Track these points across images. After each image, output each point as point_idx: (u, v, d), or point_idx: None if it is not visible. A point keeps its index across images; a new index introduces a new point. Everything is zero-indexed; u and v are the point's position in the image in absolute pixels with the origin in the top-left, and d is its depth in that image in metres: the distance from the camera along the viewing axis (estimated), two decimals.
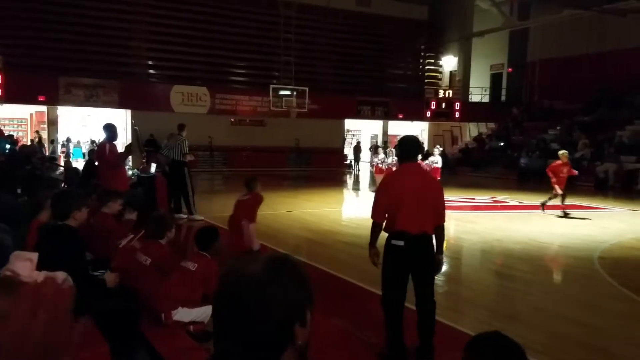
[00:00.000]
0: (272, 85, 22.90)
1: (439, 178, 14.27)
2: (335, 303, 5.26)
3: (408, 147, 3.99)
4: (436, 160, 14.35)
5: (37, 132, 21.95)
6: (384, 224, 3.90)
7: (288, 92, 23.29)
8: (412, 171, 3.95)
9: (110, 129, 7.39)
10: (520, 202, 14.37)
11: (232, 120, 23.97)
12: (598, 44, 24.07)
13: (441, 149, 15.76)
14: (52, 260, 3.06)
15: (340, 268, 6.71)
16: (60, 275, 1.20)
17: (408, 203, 3.74)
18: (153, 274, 3.77)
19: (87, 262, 3.42)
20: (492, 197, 15.25)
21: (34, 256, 1.23)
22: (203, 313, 3.64)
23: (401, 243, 3.76)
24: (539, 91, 27.54)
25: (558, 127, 24.18)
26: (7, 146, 7.09)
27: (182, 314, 3.58)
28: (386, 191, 3.89)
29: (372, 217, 3.92)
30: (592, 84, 23.96)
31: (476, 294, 6.21)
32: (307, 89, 23.14)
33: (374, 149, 18.41)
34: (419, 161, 13.67)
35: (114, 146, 7.46)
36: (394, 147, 26.60)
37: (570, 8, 22.21)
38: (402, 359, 3.89)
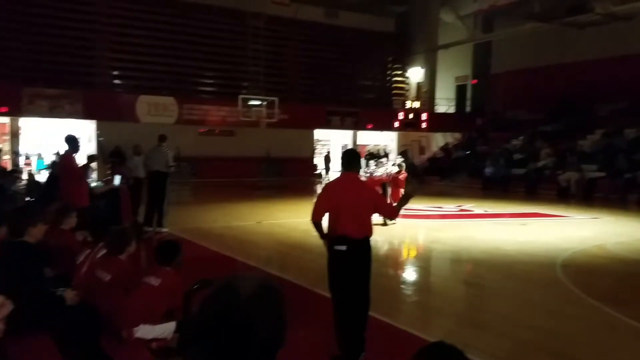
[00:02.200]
0: (241, 96, 22.81)
1: (404, 188, 14.41)
2: (303, 315, 5.23)
3: (348, 158, 4.32)
4: (402, 170, 14.43)
5: None
6: (327, 229, 4.21)
7: (257, 102, 23.24)
8: (350, 180, 4.29)
9: (72, 141, 7.21)
10: (485, 211, 14.63)
11: (200, 130, 23.73)
12: (559, 56, 24.87)
13: (402, 159, 15.90)
14: (9, 277, 2.96)
15: (310, 279, 6.67)
16: None
17: (348, 209, 4.06)
18: (113, 291, 3.67)
19: (46, 279, 3.30)
20: (459, 206, 15.50)
21: None
22: (166, 329, 3.57)
23: (343, 248, 4.03)
24: (502, 102, 28.24)
25: (521, 137, 24.80)
26: None
27: (144, 331, 3.49)
28: (326, 197, 4.23)
29: (312, 218, 4.24)
30: (554, 95, 24.72)
31: (444, 302, 6.26)
32: (276, 99, 23.12)
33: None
34: (384, 170, 13.85)
35: (76, 158, 7.28)
36: (365, 157, 26.78)
37: (532, 21, 22.92)
38: (351, 351, 4.10)
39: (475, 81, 30.34)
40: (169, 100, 22.90)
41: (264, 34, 25.19)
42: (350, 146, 28.93)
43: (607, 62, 23.18)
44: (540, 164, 21.49)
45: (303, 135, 26.06)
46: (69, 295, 3.24)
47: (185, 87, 24.25)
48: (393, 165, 15.24)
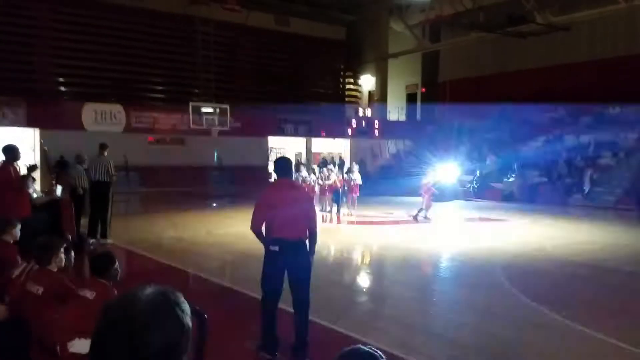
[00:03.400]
0: (191, 103, 22.48)
1: (357, 195, 14.63)
2: (248, 324, 5.22)
3: (281, 166, 4.61)
4: (355, 177, 14.66)
5: None
6: (265, 231, 4.44)
7: (209, 110, 22.96)
8: (286, 185, 4.58)
9: (10, 151, 6.93)
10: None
11: (149, 139, 23.21)
12: (502, 65, 25.87)
13: (357, 167, 16.14)
14: None
15: (257, 288, 6.60)
16: None
17: (283, 213, 4.31)
18: (46, 304, 3.55)
19: None
20: (408, 212, 15.78)
21: None
22: None
23: (276, 248, 4.31)
24: (449, 110, 29.05)
25: (468, 144, 25.57)
26: None
27: (80, 346, 3.38)
28: (264, 204, 4.44)
29: (251, 228, 4.45)
30: (499, 102, 25.63)
31: (397, 310, 6.28)
32: (228, 106, 22.93)
33: (297, 169, 18.41)
34: (339, 176, 14.00)
35: (15, 168, 6.99)
36: (319, 165, 26.90)
37: (476, 31, 23.76)
38: (273, 347, 4.43)
39: (424, 89, 31.09)
40: (116, 108, 22.32)
41: (215, 40, 25.00)
42: (304, 154, 29.08)
43: (547, 70, 24.28)
44: (487, 170, 22.23)
45: (256, 143, 25.93)
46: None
47: (133, 94, 23.73)
48: (347, 172, 15.43)
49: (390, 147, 29.53)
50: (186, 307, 1.13)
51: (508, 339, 5.19)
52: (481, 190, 20.73)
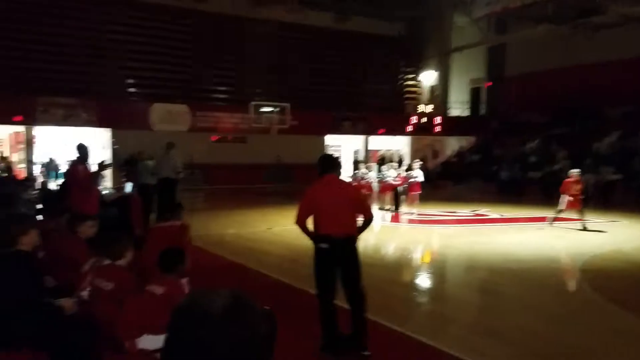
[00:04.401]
0: (252, 103, 22.82)
1: (419, 192, 14.27)
2: (311, 323, 5.14)
3: (325, 162, 4.65)
4: (416, 175, 14.30)
5: (3, 157, 21.38)
6: (313, 229, 4.44)
7: (269, 109, 23.23)
8: (330, 181, 4.53)
9: (80, 150, 7.22)
10: (501, 215, 14.40)
11: (212, 138, 23.79)
12: (574, 58, 24.51)
13: (421, 162, 15.76)
14: (4, 289, 2.91)
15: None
16: None
17: (329, 209, 4.31)
18: (115, 300, 3.61)
19: (44, 290, 3.23)
20: (474, 211, 15.27)
21: None
22: None
23: (326, 245, 4.30)
24: (517, 104, 27.90)
25: (536, 140, 24.46)
26: None
27: (147, 342, 3.40)
28: (308, 200, 4.47)
29: (296, 222, 4.48)
30: (569, 97, 24.35)
31: (456, 310, 6.11)
32: (287, 105, 23.08)
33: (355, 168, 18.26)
34: (399, 174, 13.75)
35: (85, 167, 7.28)
36: (377, 162, 26.70)
37: (545, 23, 22.64)
38: (335, 348, 4.38)
39: (489, 84, 30.03)
40: (182, 108, 23.02)
41: (274, 40, 25.27)
42: (362, 151, 28.90)
43: (620, 63, 22.81)
44: (557, 167, 21.15)
45: (313, 141, 25.97)
46: (67, 304, 3.17)
47: (197, 94, 24.39)
48: (408, 170, 15.09)
49: (453, 143, 28.79)
50: (258, 312, 1.04)
51: (585, 346, 4.83)
52: (551, 188, 19.72)
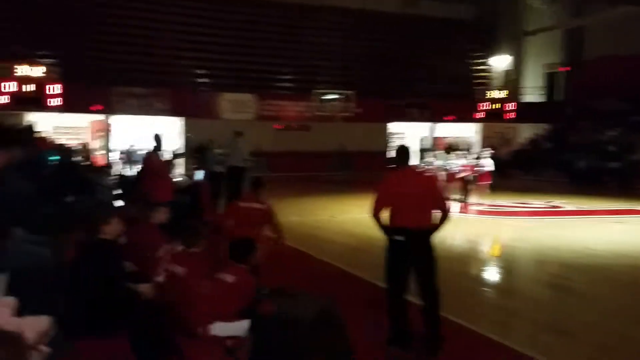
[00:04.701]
0: (316, 90, 22.88)
1: (489, 182, 13.81)
2: (377, 314, 5.12)
3: (403, 153, 4.55)
4: (485, 164, 13.85)
5: (85, 143, 22.71)
6: (388, 221, 4.33)
7: (333, 97, 23.21)
8: (409, 173, 4.46)
9: (155, 139, 7.54)
10: (578, 207, 13.69)
11: (276, 125, 24.14)
12: None
13: (492, 151, 15.21)
14: (86, 275, 3.10)
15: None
16: (43, 321, 1.14)
17: (406, 201, 4.21)
18: (190, 286, 3.75)
19: (124, 275, 3.42)
20: (548, 202, 14.60)
21: (11, 301, 1.18)
22: (241, 327, 3.58)
23: (401, 238, 4.19)
24: (595, 90, 26.24)
25: (617, 129, 22.94)
26: (54, 157, 7.33)
27: (220, 329, 3.52)
28: (385, 192, 4.37)
29: (371, 214, 4.36)
30: None
31: (526, 306, 5.92)
32: (352, 92, 22.95)
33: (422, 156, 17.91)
34: (465, 163, 13.36)
35: (159, 156, 7.61)
36: (445, 151, 26.05)
37: (623, 4, 21.11)
38: (403, 342, 4.28)
39: (565, 68, 28.41)
40: (248, 97, 23.50)
41: (338, 27, 25.17)
42: (428, 139, 28.29)
43: None
44: (637, 156, 19.82)
45: (377, 128, 25.73)
46: (145, 289, 3.33)
47: (263, 83, 24.78)
48: (477, 158, 14.62)
49: (526, 131, 27.54)
50: (343, 321, 1.03)
51: None
52: (631, 179, 18.53)
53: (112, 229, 3.19)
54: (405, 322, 4.31)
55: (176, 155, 7.53)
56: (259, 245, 5.26)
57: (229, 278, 3.71)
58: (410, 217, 4.18)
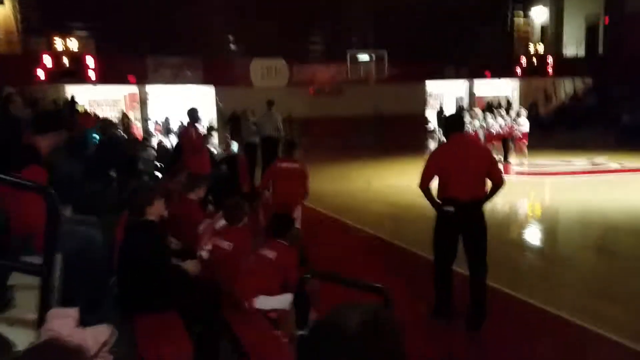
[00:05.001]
0: (349, 51, 22.42)
1: (526, 142, 13.41)
2: (420, 285, 5.13)
3: (453, 121, 4.46)
4: (522, 123, 13.44)
5: (125, 114, 23.13)
6: (437, 191, 4.25)
7: (366, 58, 22.73)
8: (460, 142, 4.30)
9: (192, 114, 7.61)
10: (621, 165, 13.20)
11: (310, 91, 23.94)
12: None
13: (526, 112, 14.69)
14: (134, 257, 3.19)
15: (427, 247, 6.32)
16: (104, 331, 1.17)
17: (458, 171, 4.09)
18: (235, 260, 3.82)
19: (170, 253, 3.50)
20: (591, 160, 14.12)
21: (74, 313, 1.20)
22: (284, 301, 3.65)
23: (451, 209, 4.10)
24: (638, 44, 24.82)
25: None
26: (97, 135, 7.48)
27: (263, 302, 3.60)
28: (436, 161, 4.26)
29: (420, 185, 4.26)
30: None
31: (570, 271, 5.81)
32: (385, 52, 22.40)
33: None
34: (504, 123, 12.95)
35: (197, 129, 7.67)
36: (484, 110, 25.41)
37: None
38: (448, 313, 4.31)
39: (608, 20, 26.93)
40: (280, 63, 23.30)
41: None
42: (465, 98, 27.57)
43: None
44: None
45: (414, 89, 25.16)
46: (191, 266, 3.40)
47: (294, 47, 24.45)
48: (517, 117, 14.18)
49: (567, 86, 26.49)
50: (397, 328, 1.01)
51: None
52: None
53: (156, 210, 3.25)
54: (451, 293, 4.31)
55: (211, 129, 7.58)
56: (296, 206, 5.88)
57: (270, 254, 3.77)
58: (462, 189, 4.09)
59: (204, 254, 4.46)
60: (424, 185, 4.24)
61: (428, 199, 4.30)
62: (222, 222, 4.52)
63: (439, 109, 26.21)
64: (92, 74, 20.04)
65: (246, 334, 3.37)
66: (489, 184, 4.27)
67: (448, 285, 4.31)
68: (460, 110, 25.08)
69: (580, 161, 14.00)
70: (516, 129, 13.48)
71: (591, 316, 4.35)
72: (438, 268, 4.35)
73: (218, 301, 3.38)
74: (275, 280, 3.71)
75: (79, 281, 3.41)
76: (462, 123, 4.54)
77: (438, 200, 4.26)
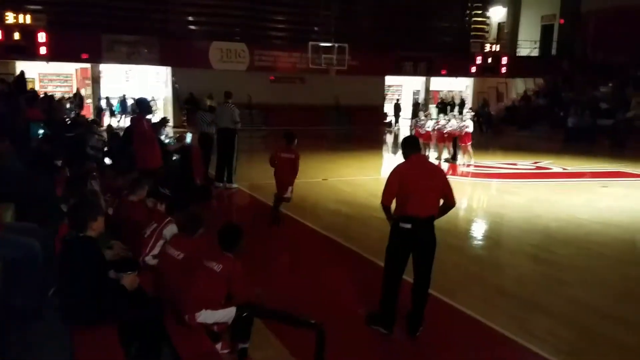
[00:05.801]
0: (310, 42, 22.40)
1: (470, 143, 13.73)
2: (363, 288, 5.26)
3: (411, 143, 4.62)
4: (467, 125, 13.76)
5: (78, 92, 22.32)
6: (394, 208, 4.41)
7: (328, 48, 22.73)
8: (419, 162, 4.53)
9: (142, 104, 7.44)
10: (564, 169, 13.81)
11: (271, 77, 23.74)
12: None
13: (472, 113, 15.09)
14: (72, 273, 3.15)
15: (375, 251, 6.07)
16: None
17: (418, 190, 4.29)
18: (182, 270, 3.82)
19: (107, 268, 3.45)
20: (535, 163, 14.70)
21: None
22: (227, 314, 3.69)
23: (408, 226, 4.28)
24: (592, 44, 25.86)
25: (610, 84, 22.80)
26: (41, 131, 7.21)
27: (206, 316, 3.63)
28: (399, 179, 4.38)
29: (382, 202, 4.42)
30: None
31: (507, 281, 5.99)
32: (347, 45, 22.51)
33: (415, 112, 17.93)
34: (455, 123, 13.21)
35: (148, 121, 7.52)
36: (437, 105, 25.92)
37: None
38: (390, 322, 4.45)
39: (563, 21, 27.86)
40: (241, 47, 22.99)
41: None
42: (422, 93, 28.06)
43: None
44: (630, 114, 19.84)
45: (373, 82, 25.44)
46: (128, 281, 3.36)
47: (256, 32, 24.17)
48: (470, 118, 14.50)
49: (519, 86, 27.35)
50: None
51: None
52: (623, 138, 18.63)
53: (98, 226, 3.21)
54: (396, 304, 4.46)
55: (163, 121, 7.45)
56: (290, 187, 7.53)
57: (216, 267, 3.78)
58: (421, 207, 4.29)
59: (150, 259, 4.43)
60: (388, 203, 4.41)
61: (386, 215, 4.48)
62: (173, 229, 4.49)
63: (395, 103, 26.64)
64: (43, 50, 19.20)
65: (185, 349, 3.40)
66: None
67: (395, 295, 4.47)
68: (416, 105, 25.56)
69: (523, 163, 14.52)
70: (462, 129, 13.79)
71: (525, 330, 4.49)
72: (388, 282, 4.48)
73: (158, 316, 3.39)
74: (220, 294, 3.74)
75: (18, 289, 3.36)
76: (419, 145, 4.82)
77: (395, 216, 4.40)
